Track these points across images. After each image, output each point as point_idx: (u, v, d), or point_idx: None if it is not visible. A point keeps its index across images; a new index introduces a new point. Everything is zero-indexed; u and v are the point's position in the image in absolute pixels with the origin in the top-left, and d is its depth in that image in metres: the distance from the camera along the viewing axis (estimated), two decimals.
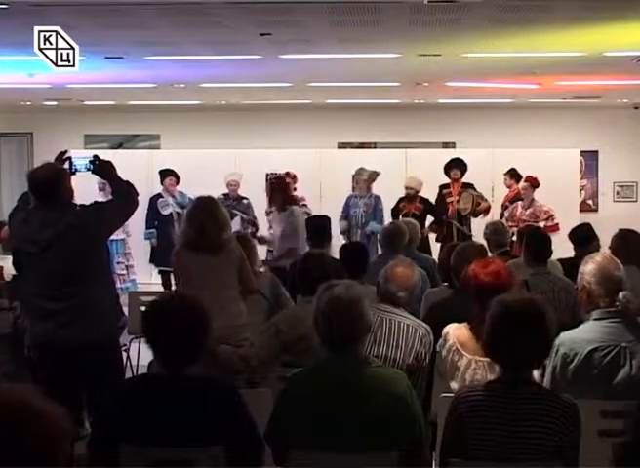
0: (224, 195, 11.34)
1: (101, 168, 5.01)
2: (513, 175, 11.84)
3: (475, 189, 11.54)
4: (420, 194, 11.32)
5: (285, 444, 3.33)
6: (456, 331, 4.37)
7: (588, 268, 3.99)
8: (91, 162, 4.98)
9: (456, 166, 11.52)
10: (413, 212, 10.94)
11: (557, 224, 11.05)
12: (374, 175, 11.72)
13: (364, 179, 11.45)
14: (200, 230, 5.35)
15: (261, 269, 6.63)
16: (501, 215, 11.34)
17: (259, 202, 11.91)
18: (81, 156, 5.20)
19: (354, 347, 3.37)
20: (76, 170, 5.04)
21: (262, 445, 3.35)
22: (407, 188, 11.37)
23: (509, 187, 11.85)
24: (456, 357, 4.32)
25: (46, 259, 4.64)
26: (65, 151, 5.12)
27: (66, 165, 5.01)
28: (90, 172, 5.05)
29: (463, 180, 11.52)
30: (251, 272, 5.61)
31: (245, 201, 11.49)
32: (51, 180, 4.68)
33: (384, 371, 3.44)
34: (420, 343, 4.38)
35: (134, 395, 3.30)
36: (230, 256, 5.39)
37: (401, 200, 11.34)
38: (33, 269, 4.77)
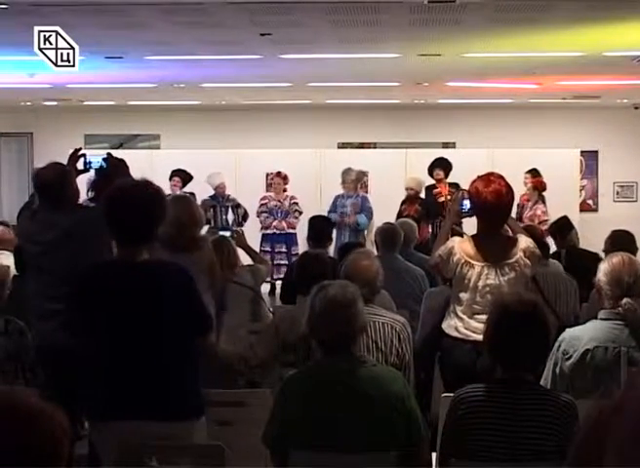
0: (211, 197, 11.45)
1: (114, 166, 5.01)
2: (535, 175, 11.74)
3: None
4: (420, 195, 11.29)
5: (283, 445, 3.33)
6: (461, 245, 4.51)
7: (603, 266, 3.97)
8: (104, 160, 5.00)
9: (438, 165, 11.38)
10: (412, 214, 10.81)
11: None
12: (361, 175, 11.71)
13: (352, 179, 11.49)
14: (177, 226, 5.34)
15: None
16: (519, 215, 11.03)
17: (258, 202, 11.98)
18: (95, 154, 5.22)
19: (349, 347, 3.37)
20: (90, 167, 5.07)
21: (212, 320, 3.76)
22: (407, 189, 11.35)
23: None
24: (465, 269, 4.46)
25: (48, 260, 4.64)
26: (80, 148, 5.14)
27: (80, 162, 5.03)
28: (103, 169, 5.08)
29: (449, 180, 11.31)
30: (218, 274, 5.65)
31: (232, 197, 11.62)
32: (56, 181, 4.68)
33: (380, 370, 3.43)
34: (398, 340, 4.28)
35: (97, 277, 3.67)
36: (204, 257, 5.41)
37: (403, 203, 11.31)
38: (35, 269, 4.77)
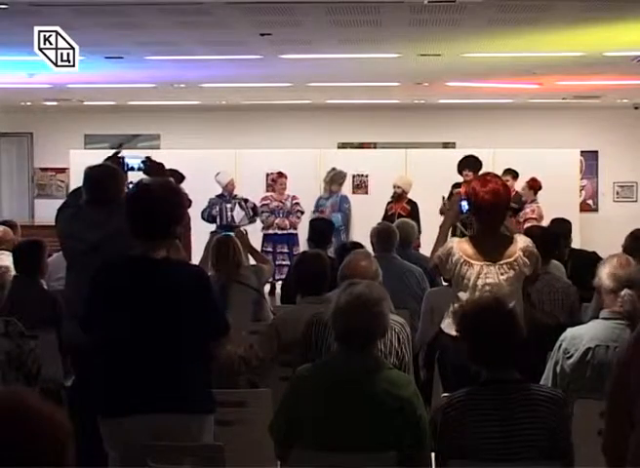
0: (218, 196, 11.39)
1: (153, 169, 5.07)
2: (510, 172, 11.66)
3: None
4: (409, 195, 11.19)
5: (288, 438, 3.34)
6: (460, 245, 4.55)
7: (603, 267, 3.99)
8: (143, 162, 5.07)
9: (468, 166, 11.08)
10: (399, 212, 10.68)
11: None
12: (331, 176, 11.73)
13: (326, 181, 11.50)
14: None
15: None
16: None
17: (258, 202, 11.97)
18: (133, 156, 5.30)
19: (368, 347, 3.37)
20: (129, 169, 5.14)
21: (228, 324, 3.74)
22: (394, 187, 11.29)
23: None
24: (464, 268, 4.51)
25: (94, 259, 4.61)
26: (119, 151, 5.24)
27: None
28: (142, 172, 5.16)
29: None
30: None
31: (239, 196, 11.56)
32: (106, 180, 4.74)
33: (394, 374, 3.43)
34: (397, 341, 4.23)
35: (116, 272, 3.75)
36: None
37: (389, 202, 11.24)
38: (80, 267, 4.75)
